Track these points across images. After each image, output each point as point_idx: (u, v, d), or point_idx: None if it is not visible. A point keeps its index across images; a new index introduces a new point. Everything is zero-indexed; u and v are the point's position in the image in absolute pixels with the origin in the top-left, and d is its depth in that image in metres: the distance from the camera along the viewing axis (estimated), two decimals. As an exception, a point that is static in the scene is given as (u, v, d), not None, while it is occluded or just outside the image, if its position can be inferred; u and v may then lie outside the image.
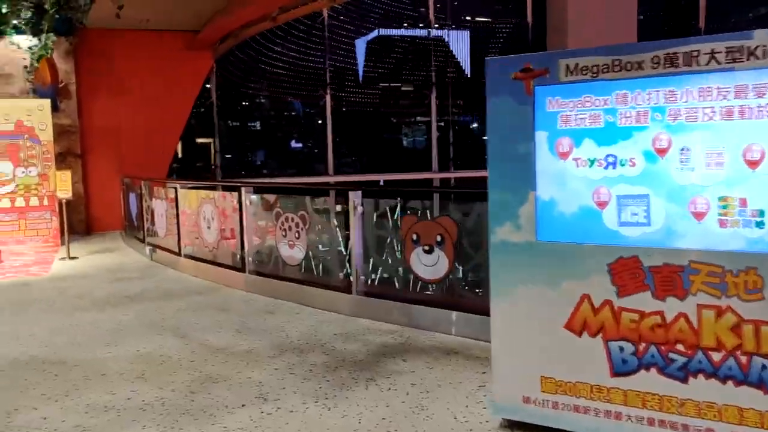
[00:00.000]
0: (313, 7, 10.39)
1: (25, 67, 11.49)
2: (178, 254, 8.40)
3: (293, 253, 6.45)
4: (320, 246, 6.25)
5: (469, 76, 16.78)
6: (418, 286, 5.41)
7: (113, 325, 5.78)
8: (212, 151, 16.53)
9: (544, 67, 3.18)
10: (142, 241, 9.84)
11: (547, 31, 15.99)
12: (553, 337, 3.23)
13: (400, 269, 5.58)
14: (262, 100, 18.11)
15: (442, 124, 15.90)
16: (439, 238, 5.20)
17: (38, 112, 10.88)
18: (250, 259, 6.97)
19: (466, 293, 5.25)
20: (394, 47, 17.79)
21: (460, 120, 17.10)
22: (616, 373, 3.10)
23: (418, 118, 18.64)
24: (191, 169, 15.22)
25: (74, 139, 12.43)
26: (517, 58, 3.26)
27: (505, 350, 3.38)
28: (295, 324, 5.62)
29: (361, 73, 17.33)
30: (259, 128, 19.48)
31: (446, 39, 16.13)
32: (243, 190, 7.01)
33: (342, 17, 15.31)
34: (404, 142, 21.73)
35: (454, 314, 5.09)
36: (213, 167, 15.93)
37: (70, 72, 12.32)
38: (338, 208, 5.98)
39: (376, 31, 18.09)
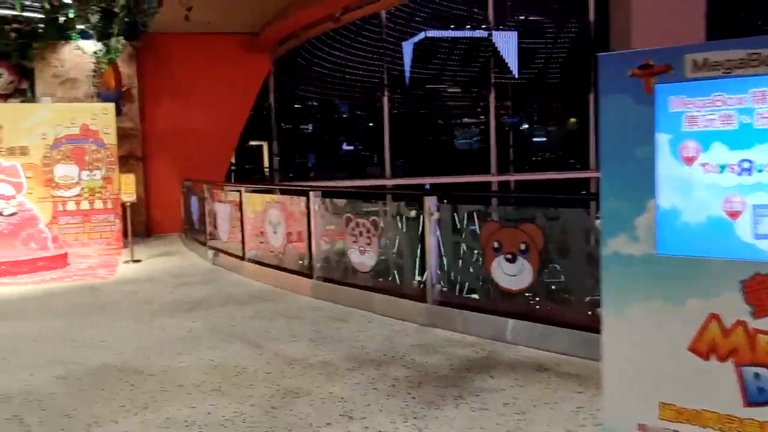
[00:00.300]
0: (378, 6, 10.21)
1: (94, 71, 11.62)
2: (242, 258, 8.31)
3: (364, 259, 6.26)
4: (393, 252, 6.04)
5: (516, 77, 16.42)
6: (500, 297, 5.15)
7: (183, 331, 5.67)
8: (264, 154, 16.56)
9: (666, 63, 2.89)
10: (204, 244, 9.80)
11: (611, 29, 15.53)
12: (674, 359, 2.94)
13: (480, 278, 5.32)
14: (314, 103, 18.10)
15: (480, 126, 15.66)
16: (523, 247, 4.93)
17: (103, 116, 10.98)
18: (318, 264, 6.80)
19: (553, 305, 4.96)
20: (442, 48, 17.57)
21: (508, 122, 16.74)
22: (751, 402, 2.79)
23: (467, 120, 18.41)
24: (242, 172, 15.26)
25: (136, 143, 12.53)
26: (635, 54, 2.98)
27: (618, 372, 3.10)
28: (369, 333, 5.42)
29: (407, 75, 17.20)
30: (310, 131, 19.49)
31: (496, 39, 15.80)
32: (311, 194, 6.85)
33: (398, 18, 15.14)
34: (457, 145, 21.44)
35: (541, 327, 4.82)
36: (266, 170, 15.97)
37: (132, 76, 12.42)
38: (412, 213, 5.75)
39: (423, 33, 17.91)
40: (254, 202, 8.07)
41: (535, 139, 19.88)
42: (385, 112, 14.42)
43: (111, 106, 11.10)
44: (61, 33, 11.62)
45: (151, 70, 12.71)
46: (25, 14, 8.68)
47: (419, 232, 5.75)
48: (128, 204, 9.72)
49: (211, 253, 9.25)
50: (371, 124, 21.47)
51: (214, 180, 12.22)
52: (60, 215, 10.65)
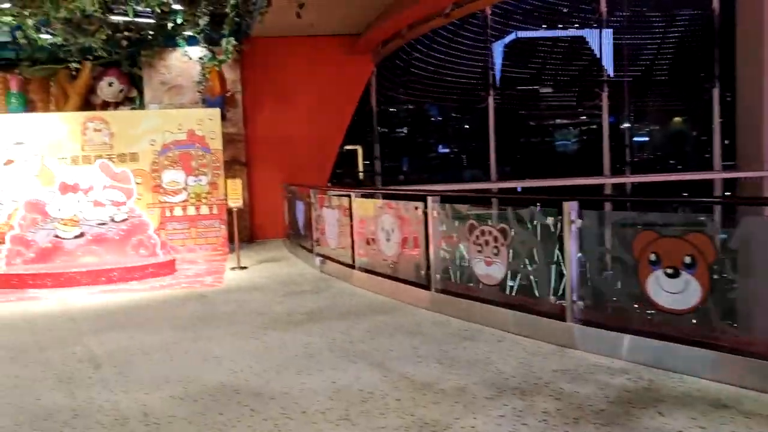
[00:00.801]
0: (487, 1, 9.64)
1: (204, 75, 11.62)
2: (352, 267, 7.94)
3: (490, 270, 5.71)
4: (525, 264, 5.47)
5: (611, 75, 15.41)
6: (659, 317, 4.49)
7: (300, 348, 5.31)
8: (358, 158, 16.26)
9: None
10: (310, 251, 9.52)
11: (737, 20, 14.30)
12: None
13: (632, 295, 4.67)
14: (409, 106, 17.69)
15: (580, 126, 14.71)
16: (688, 260, 4.26)
17: (208, 122, 10.94)
18: (437, 275, 6.31)
19: (728, 329, 4.25)
20: (542, 47, 16.80)
21: (624, 123, 15.74)
22: None
23: (561, 120, 17.53)
24: (334, 176, 14.99)
25: (240, 148, 12.48)
26: None
27: None
28: (502, 355, 4.88)
29: (498, 75, 16.54)
30: (404, 134, 19.08)
31: (602, 35, 14.86)
32: (429, 199, 6.37)
33: (498, 16, 14.50)
34: (557, 146, 20.52)
35: (713, 354, 4.13)
36: (360, 174, 15.65)
37: (236, 81, 12.38)
38: (548, 220, 5.16)
39: (514, 33, 17.17)
40: (365, 207, 7.68)
41: (635, 139, 18.88)
42: (490, 113, 13.80)
43: (216, 112, 11.06)
44: (169, 40, 11.70)
45: (253, 75, 12.64)
46: (137, 20, 8.67)
47: (556, 242, 5.16)
48: (235, 210, 9.57)
49: (318, 260, 8.94)
50: (466, 126, 20.89)
51: (320, 185, 12.00)
52: (167, 221, 10.68)
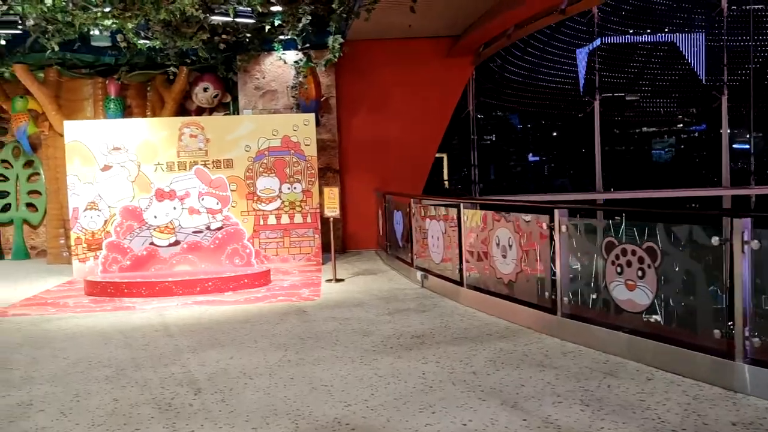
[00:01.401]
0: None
1: (301, 82, 11.32)
2: (459, 284, 7.32)
3: (633, 296, 4.98)
4: (678, 290, 4.71)
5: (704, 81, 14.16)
6: None
7: (417, 378, 4.73)
8: (444, 166, 15.64)
9: None
10: (410, 264, 8.96)
11: None
12: None
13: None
14: (498, 113, 16.96)
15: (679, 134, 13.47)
16: None
17: (304, 127, 10.58)
18: (566, 298, 5.61)
19: None
20: (640, 51, 15.74)
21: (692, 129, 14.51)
22: None
23: (648, 129, 16.37)
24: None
25: (333, 155, 12.09)
26: None
27: None
28: (659, 398, 4.14)
29: (582, 82, 15.65)
30: (490, 142, 18.31)
31: (695, 41, 13.70)
32: (557, 212, 5.68)
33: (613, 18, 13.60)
34: (654, 156, 19.33)
35: None
36: (444, 183, 15.02)
37: (330, 85, 12.01)
38: (714, 241, 4.39)
39: (597, 39, 16.15)
40: (476, 219, 7.05)
41: (735, 146, 17.57)
42: (596, 119, 12.90)
43: (312, 117, 10.69)
44: (265, 44, 11.45)
45: (348, 80, 12.24)
46: (238, 19, 8.37)
47: (722, 265, 4.38)
48: (331, 219, 9.13)
49: (419, 274, 8.37)
50: (554, 134, 19.90)
51: (419, 194, 11.46)
52: (261, 229, 10.37)
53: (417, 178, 12.43)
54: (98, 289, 8.49)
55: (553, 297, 5.76)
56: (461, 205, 7.31)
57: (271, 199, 10.52)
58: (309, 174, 10.60)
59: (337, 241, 11.98)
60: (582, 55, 15.97)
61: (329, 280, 9.05)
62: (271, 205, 10.52)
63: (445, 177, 16.15)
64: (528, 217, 6.15)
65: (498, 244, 6.56)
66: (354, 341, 5.84)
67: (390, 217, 10.33)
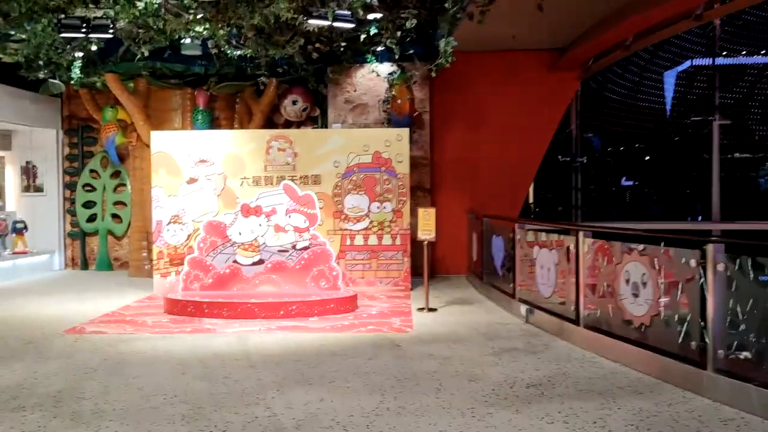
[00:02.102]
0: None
1: (393, 96, 10.74)
2: (575, 322, 6.43)
3: (820, 356, 4.00)
4: None
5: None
6: None
7: (546, 443, 3.91)
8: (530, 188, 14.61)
9: None
10: (511, 295, 8.12)
11: None
12: None
13: None
14: (590, 135, 15.81)
15: None
16: None
17: (396, 143, 9.92)
18: (720, 351, 4.66)
19: None
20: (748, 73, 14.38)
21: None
22: None
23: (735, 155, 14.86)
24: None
25: (425, 172, 11.38)
26: None
27: None
28: None
29: (669, 107, 14.50)
30: (580, 163, 17.09)
31: None
32: (710, 247, 4.75)
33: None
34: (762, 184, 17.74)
35: None
36: (531, 206, 14.02)
37: (424, 100, 11.34)
38: None
39: (689, 61, 14.80)
40: (597, 249, 6.16)
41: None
42: (714, 141, 11.72)
43: (406, 132, 10.03)
44: (357, 56, 10.92)
45: (442, 94, 11.55)
46: (336, 24, 7.81)
47: None
48: (426, 242, 8.40)
49: (524, 308, 7.51)
50: (647, 158, 18.54)
51: (515, 217, 10.62)
52: (347, 250, 9.73)
53: (513, 201, 11.57)
54: (178, 308, 8.04)
55: (701, 348, 4.81)
56: (580, 233, 6.43)
57: (359, 218, 9.89)
58: (400, 193, 9.92)
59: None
60: (671, 77, 14.83)
61: (421, 309, 8.30)
62: (359, 224, 9.89)
63: (530, 200, 15.18)
64: (669, 251, 5.22)
65: (628, 281, 5.65)
66: (460, 387, 5.06)
67: (487, 242, 9.51)
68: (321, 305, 7.96)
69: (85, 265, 12.87)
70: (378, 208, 9.89)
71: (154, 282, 9.92)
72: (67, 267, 12.97)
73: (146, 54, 9.37)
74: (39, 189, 12.86)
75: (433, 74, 9.68)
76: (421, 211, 8.43)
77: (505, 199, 11.44)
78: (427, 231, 8.33)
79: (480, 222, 9.96)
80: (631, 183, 18.90)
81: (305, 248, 8.48)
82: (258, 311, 7.79)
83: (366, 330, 7.18)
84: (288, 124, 11.56)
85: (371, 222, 9.89)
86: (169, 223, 9.85)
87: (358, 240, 9.89)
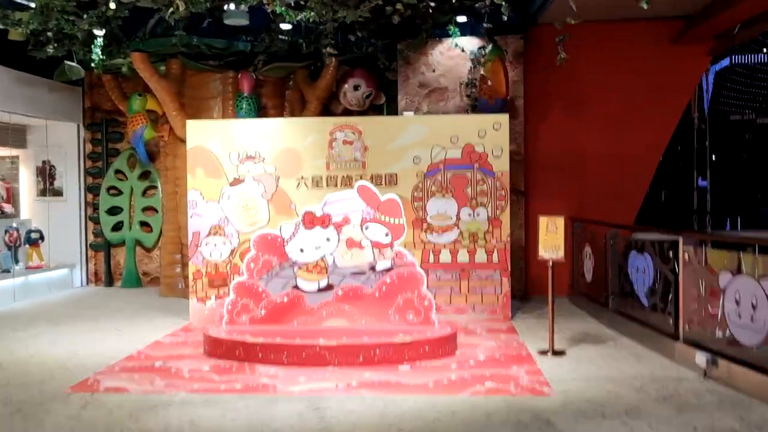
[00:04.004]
0: None
1: (483, 76, 8.68)
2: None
3: None
4: None
5: None
6: None
7: None
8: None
9: None
10: (671, 335, 5.97)
11: None
12: None
13: None
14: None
15: None
16: None
17: (494, 133, 7.85)
18: None
19: None
20: None
21: None
22: None
23: None
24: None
25: (518, 170, 9.26)
26: None
27: None
28: None
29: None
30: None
31: None
32: None
33: None
34: None
35: None
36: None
37: (517, 81, 9.23)
38: None
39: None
40: None
41: None
42: None
43: (505, 119, 7.95)
44: (436, 28, 8.87)
45: (538, 75, 9.44)
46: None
47: None
48: (550, 263, 6.29)
49: (701, 356, 5.36)
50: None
51: (632, 224, 8.47)
52: (430, 268, 7.69)
53: (628, 203, 9.41)
54: (223, 350, 6.07)
55: None
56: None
57: (445, 228, 7.85)
58: (498, 196, 7.84)
59: (518, 284, 9.14)
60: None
61: (544, 353, 6.21)
62: (445, 235, 7.84)
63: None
64: None
65: None
66: None
67: (617, 258, 7.38)
68: (412, 348, 5.92)
69: (109, 282, 11.03)
70: (470, 215, 7.83)
71: (191, 307, 8.00)
72: (89, 283, 11.14)
73: (180, 22, 7.42)
74: (57, 193, 11.06)
75: (561, 55, 7.59)
76: (543, 220, 6.32)
77: (616, 200, 9.28)
78: (552, 248, 6.23)
79: (600, 232, 7.82)
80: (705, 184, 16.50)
81: (387, 270, 6.43)
82: (329, 357, 5.78)
83: (485, 389, 5.11)
84: (346, 115, 9.54)
85: (461, 233, 7.83)
86: (208, 234, 7.93)
87: (444, 256, 7.85)
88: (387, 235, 6.47)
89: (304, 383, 5.32)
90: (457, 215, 7.83)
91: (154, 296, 9.98)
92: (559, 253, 6.18)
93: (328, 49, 7.82)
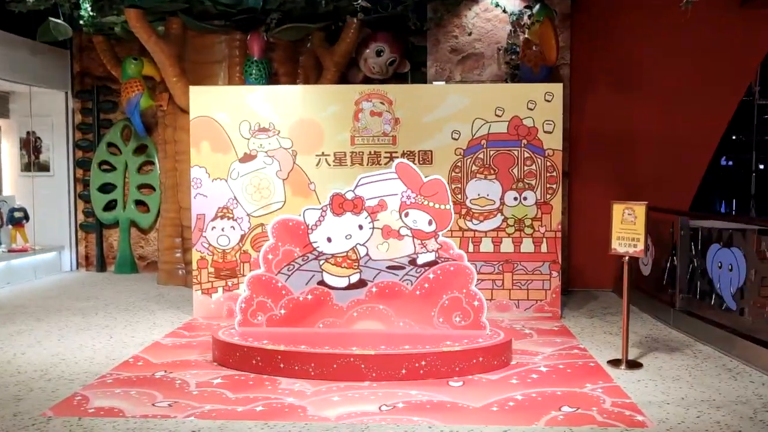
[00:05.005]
0: None
1: (528, 40, 7.64)
2: None
3: None
4: None
5: None
6: None
7: None
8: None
9: None
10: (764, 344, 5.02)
11: None
12: None
13: None
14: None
15: None
16: None
17: (545, 104, 6.83)
18: None
19: None
20: None
21: None
22: None
23: None
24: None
25: (562, 149, 8.22)
26: None
27: None
28: None
29: None
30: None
31: None
32: None
33: None
34: None
35: None
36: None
37: (563, 48, 8.17)
38: None
39: None
40: None
41: None
42: None
43: (559, 89, 6.92)
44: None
45: (585, 42, 8.41)
46: None
47: None
48: (625, 259, 5.30)
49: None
50: None
51: (686, 211, 7.50)
52: (470, 259, 6.66)
53: (683, 186, 8.44)
54: (236, 359, 5.09)
55: None
56: None
57: (487, 214, 6.86)
58: (549, 178, 6.85)
59: (562, 276, 8.17)
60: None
61: (615, 363, 5.25)
62: (486, 222, 6.87)
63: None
64: None
65: None
66: None
67: (687, 251, 6.40)
68: (463, 359, 4.95)
69: (102, 266, 10.03)
70: (516, 199, 6.84)
71: (194, 300, 7.02)
72: (79, 268, 10.14)
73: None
74: (44, 167, 10.02)
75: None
76: (618, 208, 5.32)
77: (670, 183, 8.31)
78: (630, 240, 5.23)
79: (664, 220, 6.83)
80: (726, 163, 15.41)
81: (431, 264, 5.44)
82: (365, 369, 4.81)
83: (563, 416, 4.15)
84: (366, 83, 8.48)
85: (506, 219, 6.84)
86: (214, 218, 6.92)
87: (486, 245, 6.88)
88: (431, 223, 5.46)
89: (339, 405, 4.34)
90: (501, 199, 6.84)
91: (152, 284, 8.99)
92: (638, 247, 5.18)
93: (359, 1, 6.71)
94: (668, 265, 6.82)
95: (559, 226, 6.87)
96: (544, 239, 6.85)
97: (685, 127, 8.31)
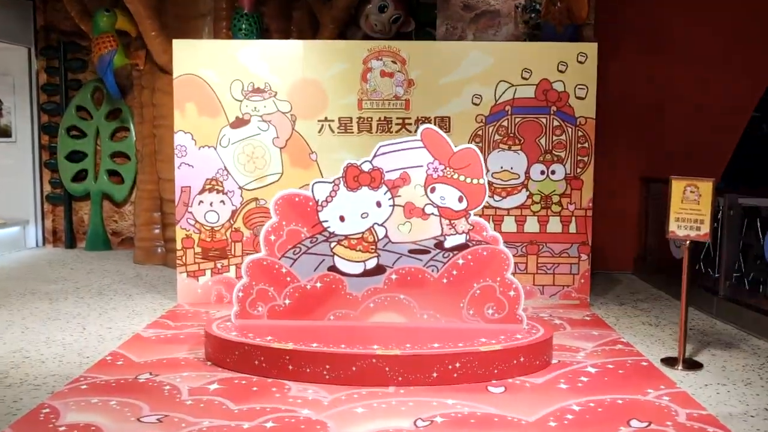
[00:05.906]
0: None
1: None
2: None
3: None
4: None
5: None
6: None
7: None
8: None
9: None
10: None
11: None
12: None
13: None
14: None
15: None
16: None
17: (577, 66, 6.07)
18: None
19: None
20: None
21: None
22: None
23: None
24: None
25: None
26: None
27: None
28: None
29: None
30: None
31: None
32: None
33: None
34: None
35: None
36: None
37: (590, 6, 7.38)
38: None
39: None
40: None
41: None
42: None
43: (593, 49, 6.16)
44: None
45: (608, 1, 7.66)
46: None
47: None
48: (686, 245, 4.60)
49: None
50: None
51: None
52: (488, 239, 5.95)
53: (715, 158, 7.77)
54: (234, 359, 4.31)
55: None
56: None
57: (510, 190, 6.12)
58: (580, 150, 6.12)
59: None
60: None
61: (671, 363, 4.58)
62: (510, 199, 6.13)
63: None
64: None
65: None
66: None
67: (737, 232, 5.74)
68: (503, 360, 4.24)
69: (71, 242, 9.13)
70: (543, 173, 6.11)
71: (179, 284, 6.20)
72: (46, 244, 9.22)
73: None
74: (4, 133, 9.05)
75: None
76: (677, 184, 4.59)
77: (701, 155, 7.64)
78: (692, 222, 4.53)
79: (728, 203, 6.14)
80: None
81: (460, 248, 4.68)
82: (390, 372, 4.07)
83: (636, 434, 3.46)
84: (370, 43, 7.63)
85: (531, 195, 6.11)
86: (202, 191, 6.09)
87: (508, 224, 6.15)
88: (461, 200, 4.69)
89: (365, 419, 3.60)
90: (527, 173, 6.10)
91: (128, 263, 8.14)
92: (701, 230, 4.48)
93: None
94: (705, 247, 6.16)
95: (591, 204, 6.17)
96: (573, 218, 6.15)
97: (716, 93, 7.63)
